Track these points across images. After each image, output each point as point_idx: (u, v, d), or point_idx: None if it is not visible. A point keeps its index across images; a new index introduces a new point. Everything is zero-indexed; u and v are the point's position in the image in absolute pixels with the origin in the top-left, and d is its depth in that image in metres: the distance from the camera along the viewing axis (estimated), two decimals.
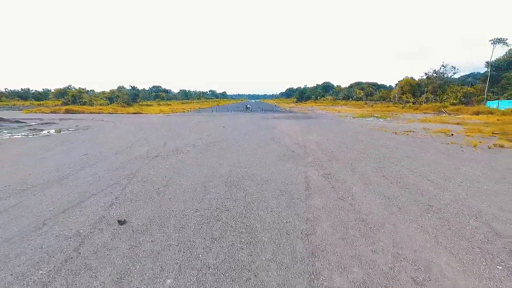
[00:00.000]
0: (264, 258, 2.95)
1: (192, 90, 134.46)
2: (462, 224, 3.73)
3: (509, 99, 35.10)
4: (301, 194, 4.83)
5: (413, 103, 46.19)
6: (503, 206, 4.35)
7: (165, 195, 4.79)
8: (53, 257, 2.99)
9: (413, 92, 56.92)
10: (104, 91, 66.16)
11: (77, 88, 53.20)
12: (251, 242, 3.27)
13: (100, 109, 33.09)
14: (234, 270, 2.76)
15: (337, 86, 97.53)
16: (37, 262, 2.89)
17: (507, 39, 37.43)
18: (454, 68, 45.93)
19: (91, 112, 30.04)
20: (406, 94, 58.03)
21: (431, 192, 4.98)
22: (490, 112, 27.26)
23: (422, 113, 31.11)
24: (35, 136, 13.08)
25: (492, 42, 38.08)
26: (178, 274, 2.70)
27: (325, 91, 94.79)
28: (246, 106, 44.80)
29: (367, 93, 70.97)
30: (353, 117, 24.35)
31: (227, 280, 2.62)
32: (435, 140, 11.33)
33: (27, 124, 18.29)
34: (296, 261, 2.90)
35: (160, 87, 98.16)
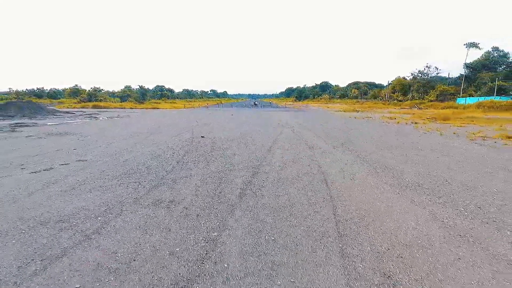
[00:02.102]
0: (255, 145, 8.68)
1: (193, 89, 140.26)
2: (336, 140, 9.44)
3: (482, 96, 40.80)
4: (276, 134, 10.59)
5: (400, 101, 51.88)
6: (367, 139, 10.08)
7: (213, 133, 10.55)
8: (185, 141, 8.70)
9: (405, 91, 62.65)
10: (107, 90, 72.37)
11: (92, 87, 58.94)
12: (254, 144, 9.00)
13: (121, 105, 38.98)
14: (246, 148, 8.48)
15: (335, 85, 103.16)
16: (181, 142, 8.60)
17: (479, 43, 43.27)
18: (437, 68, 51.68)
19: (115, 108, 35.87)
20: (396, 93, 63.78)
21: (339, 135, 10.71)
22: (456, 107, 33.00)
23: (400, 108, 36.78)
24: (97, 120, 18.83)
25: (466, 46, 43.89)
26: (228, 147, 8.41)
27: (323, 90, 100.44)
28: (254, 103, 54.30)
29: (362, 92, 76.69)
30: (337, 111, 30.10)
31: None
32: (379, 121, 17.05)
33: (79, 114, 24.05)
34: (266, 146, 8.62)
35: (164, 86, 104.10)
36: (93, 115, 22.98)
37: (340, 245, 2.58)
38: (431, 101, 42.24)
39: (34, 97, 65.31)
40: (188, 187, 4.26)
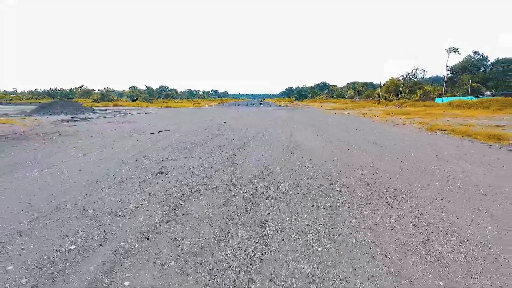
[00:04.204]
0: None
1: (195, 89, 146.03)
2: (309, 124, 15.13)
3: (461, 96, 46.41)
4: (272, 123, 16.30)
5: (389, 100, 57.52)
6: (329, 122, 15.78)
7: (229, 122, 16.24)
8: (214, 125, 14.38)
9: (398, 91, 68.27)
10: (114, 90, 78.20)
11: (105, 88, 64.60)
12: (257, 126, 14.71)
13: (138, 104, 44.74)
14: (253, 126, 14.18)
15: (333, 85, 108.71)
16: (211, 125, 14.28)
17: (458, 48, 48.96)
18: (424, 70, 57.36)
19: (133, 107, 41.59)
20: (389, 93, 69.40)
21: (313, 122, 16.40)
22: (431, 106, 38.65)
23: (385, 106, 42.43)
24: (132, 115, 24.51)
25: (447, 50, 49.58)
26: (241, 127, 14.09)
27: (322, 90, 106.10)
28: (260, 102, 62.83)
29: (357, 92, 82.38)
30: (327, 109, 35.80)
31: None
32: (352, 116, 22.75)
33: (111, 111, 29.73)
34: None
35: (167, 87, 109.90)
36: (124, 112, 28.68)
37: (289, 146, 8.27)
38: (415, 100, 47.90)
39: (48, 96, 70.88)
40: (230, 136, 9.97)
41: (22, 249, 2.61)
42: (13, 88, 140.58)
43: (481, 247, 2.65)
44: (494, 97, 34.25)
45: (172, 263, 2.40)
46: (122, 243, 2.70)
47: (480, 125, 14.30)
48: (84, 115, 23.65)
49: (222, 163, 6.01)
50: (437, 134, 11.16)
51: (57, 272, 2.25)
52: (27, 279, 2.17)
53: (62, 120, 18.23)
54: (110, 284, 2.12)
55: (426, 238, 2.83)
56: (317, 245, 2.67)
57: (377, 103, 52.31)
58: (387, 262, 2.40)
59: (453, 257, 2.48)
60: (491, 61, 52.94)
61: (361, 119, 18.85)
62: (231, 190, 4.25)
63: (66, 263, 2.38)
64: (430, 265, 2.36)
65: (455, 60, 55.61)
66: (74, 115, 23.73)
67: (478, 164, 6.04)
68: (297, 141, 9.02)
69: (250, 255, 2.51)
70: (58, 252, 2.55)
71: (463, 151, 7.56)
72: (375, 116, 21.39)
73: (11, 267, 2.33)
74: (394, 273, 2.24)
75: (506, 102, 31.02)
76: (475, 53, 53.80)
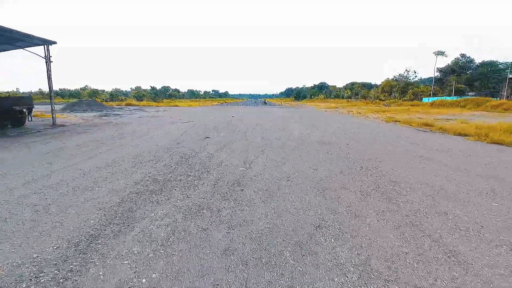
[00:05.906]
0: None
1: (196, 90, 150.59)
2: (300, 119, 19.50)
3: (447, 96, 50.80)
4: (271, 119, 20.71)
5: (382, 100, 61.92)
6: (318, 117, 20.17)
7: (236, 117, 20.65)
8: (224, 119, 18.75)
9: (392, 91, 72.69)
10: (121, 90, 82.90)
11: (113, 88, 68.95)
12: (259, 121, 19.10)
13: (148, 103, 49.23)
14: (255, 118, 18.57)
15: (331, 86, 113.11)
16: (223, 119, 18.64)
17: (445, 51, 53.45)
18: (415, 72, 61.82)
19: (144, 106, 46.01)
20: (384, 93, 73.82)
21: (305, 118, 20.80)
22: (416, 105, 43.05)
23: (375, 106, 46.82)
24: (150, 112, 28.87)
25: (435, 53, 54.05)
26: (247, 120, 18.47)
27: (320, 90, 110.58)
28: (264, 102, 68.14)
29: (355, 92, 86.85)
30: (321, 108, 40.20)
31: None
32: (340, 113, 27.14)
33: (128, 109, 34.10)
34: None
35: (169, 87, 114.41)
36: (141, 110, 33.05)
37: (280, 129, 12.67)
38: (404, 100, 52.34)
39: (58, 97, 75.25)
40: (239, 124, 14.35)
41: (173, 152, 7.00)
42: (16, 88, 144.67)
43: (354, 155, 7.03)
44: (471, 97, 38.64)
45: (232, 153, 6.79)
46: (210, 152, 7.10)
47: (432, 118, 18.67)
48: (111, 112, 27.98)
49: (239, 136, 10.41)
50: (390, 123, 15.55)
51: (189, 157, 6.63)
52: (178, 159, 6.56)
53: (100, 116, 22.62)
54: (211, 159, 6.49)
55: (328, 151, 7.21)
56: (288, 157, 7.04)
57: (371, 103, 56.73)
58: (307, 156, 6.78)
59: (338, 161, 6.88)
60: (477, 63, 57.42)
61: (345, 115, 23.25)
62: (247, 144, 8.63)
63: (190, 156, 6.76)
64: (327, 157, 6.74)
65: (448, 61, 59.83)
66: (103, 112, 28.03)
67: (391, 135, 10.43)
68: (287, 127, 13.40)
69: (259, 153, 6.91)
70: (187, 153, 6.95)
71: (393, 131, 11.94)
72: (358, 113, 25.78)
73: (176, 157, 6.70)
74: (308, 160, 6.62)
75: (480, 101, 35.50)
76: (463, 55, 58.28)
